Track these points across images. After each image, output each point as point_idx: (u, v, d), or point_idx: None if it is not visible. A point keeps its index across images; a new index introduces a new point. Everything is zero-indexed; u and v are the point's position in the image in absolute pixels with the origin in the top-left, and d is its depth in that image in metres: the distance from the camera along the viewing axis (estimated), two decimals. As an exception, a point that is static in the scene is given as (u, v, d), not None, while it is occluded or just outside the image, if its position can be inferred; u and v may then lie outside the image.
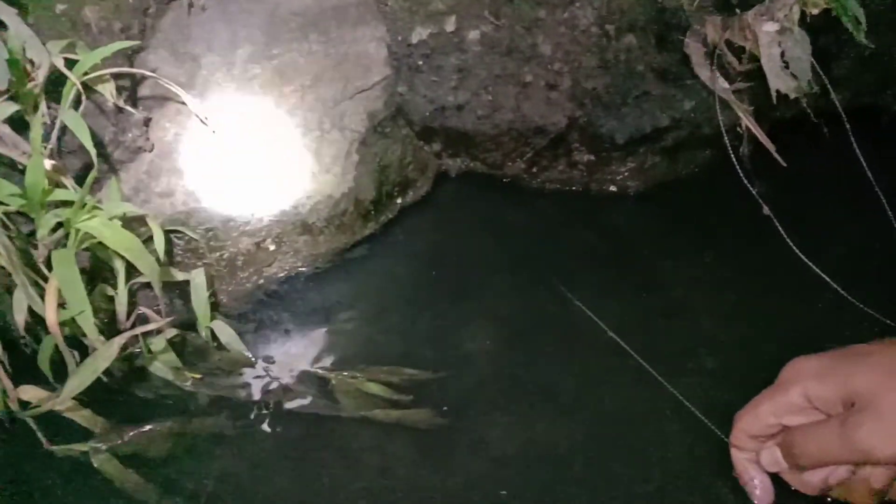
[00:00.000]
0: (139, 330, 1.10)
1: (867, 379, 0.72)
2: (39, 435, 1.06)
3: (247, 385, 1.19)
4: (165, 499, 1.02)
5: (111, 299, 1.16)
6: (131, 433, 1.08)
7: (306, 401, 1.15)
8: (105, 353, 1.03)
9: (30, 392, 1.06)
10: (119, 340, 1.05)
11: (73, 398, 1.05)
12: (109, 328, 1.14)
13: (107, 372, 1.07)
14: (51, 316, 0.99)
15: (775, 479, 0.87)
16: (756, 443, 0.82)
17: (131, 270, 1.14)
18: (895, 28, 1.57)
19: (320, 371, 1.18)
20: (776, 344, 1.24)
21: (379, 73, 1.35)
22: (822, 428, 0.75)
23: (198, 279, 1.20)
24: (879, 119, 1.67)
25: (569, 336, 1.26)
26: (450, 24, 1.37)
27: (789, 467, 0.80)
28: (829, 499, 0.85)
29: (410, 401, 1.15)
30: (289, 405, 1.15)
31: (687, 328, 1.30)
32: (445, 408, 1.15)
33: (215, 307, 1.23)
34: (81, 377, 1.03)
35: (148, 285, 1.18)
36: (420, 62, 1.37)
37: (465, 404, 1.16)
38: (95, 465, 1.04)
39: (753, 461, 0.84)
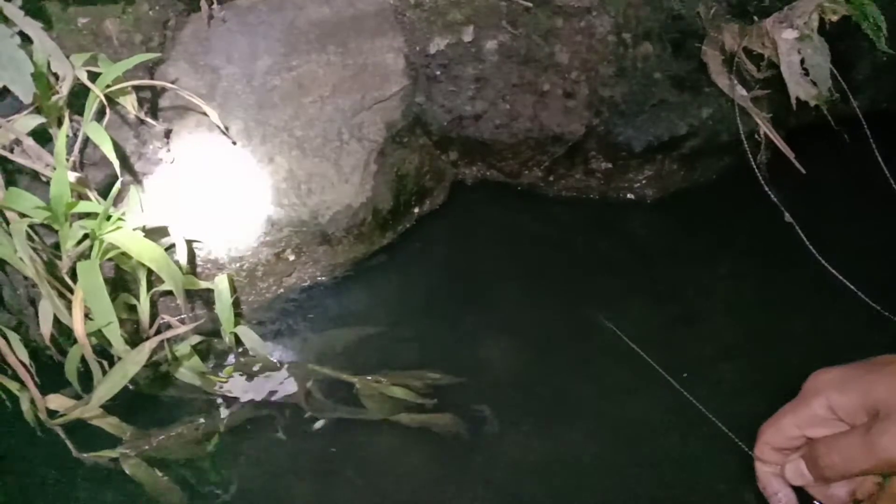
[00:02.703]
0: (168, 334, 1.11)
1: (890, 388, 0.71)
2: (68, 443, 1.08)
3: (271, 388, 1.20)
4: (195, 502, 1.04)
5: (133, 308, 1.17)
6: (160, 437, 1.10)
7: (331, 404, 1.17)
8: (135, 359, 1.04)
9: (57, 401, 1.07)
10: (149, 345, 1.06)
11: (100, 406, 1.06)
12: (132, 337, 1.15)
13: (131, 380, 1.07)
14: (79, 327, 0.99)
15: (800, 492, 0.86)
16: (780, 455, 0.81)
17: (152, 279, 1.16)
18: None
19: (344, 376, 1.19)
20: (799, 351, 1.23)
21: (397, 84, 1.35)
22: (846, 438, 0.74)
23: (221, 285, 1.21)
24: (898, 123, 1.67)
25: (586, 345, 1.26)
26: (467, 34, 1.38)
27: (815, 480, 0.79)
28: (855, 513, 0.84)
29: (434, 405, 1.16)
30: (313, 408, 1.16)
31: (707, 336, 1.29)
32: (467, 413, 1.16)
33: (237, 316, 1.24)
34: (110, 384, 1.04)
35: (169, 294, 1.19)
36: (438, 72, 1.38)
37: (484, 413, 1.16)
38: (127, 471, 1.06)
39: (778, 474, 0.83)
